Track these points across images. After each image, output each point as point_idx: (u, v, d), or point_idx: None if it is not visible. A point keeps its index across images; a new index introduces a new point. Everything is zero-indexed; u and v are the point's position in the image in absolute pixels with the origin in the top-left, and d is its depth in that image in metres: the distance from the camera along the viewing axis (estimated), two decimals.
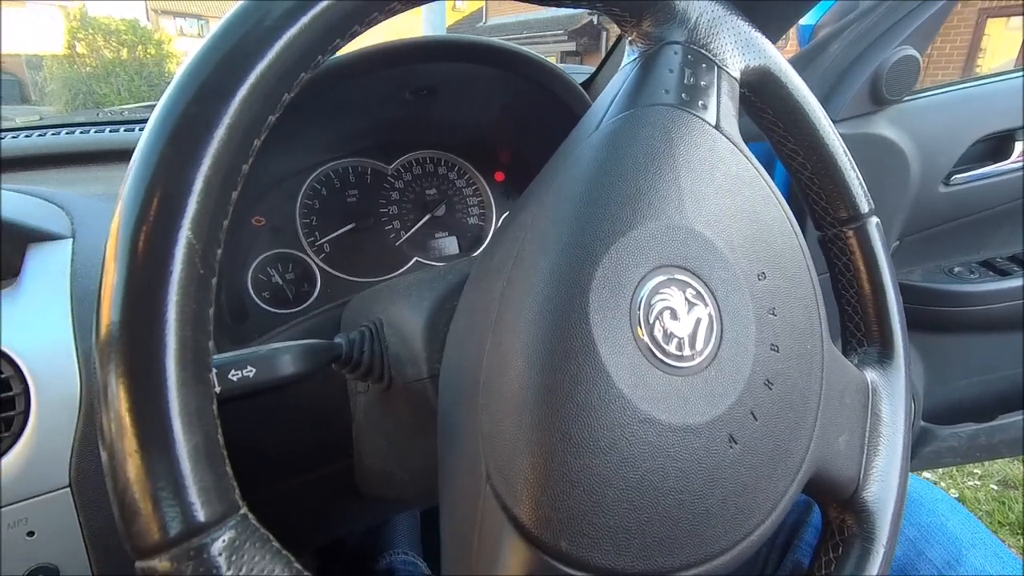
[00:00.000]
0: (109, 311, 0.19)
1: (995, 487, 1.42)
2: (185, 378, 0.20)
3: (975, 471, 1.47)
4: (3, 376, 0.34)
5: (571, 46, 7.76)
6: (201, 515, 0.19)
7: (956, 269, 0.90)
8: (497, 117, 0.58)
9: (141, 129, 0.63)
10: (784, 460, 0.28)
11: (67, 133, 0.61)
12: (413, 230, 0.62)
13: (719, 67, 0.33)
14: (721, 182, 0.30)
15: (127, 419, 0.19)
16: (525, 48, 0.48)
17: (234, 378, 0.30)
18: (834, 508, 0.34)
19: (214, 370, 0.29)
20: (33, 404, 0.35)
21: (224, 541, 0.20)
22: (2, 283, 0.39)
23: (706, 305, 0.27)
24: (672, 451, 0.25)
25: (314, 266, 0.56)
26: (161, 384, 0.19)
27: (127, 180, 0.20)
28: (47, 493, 0.35)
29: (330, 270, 0.57)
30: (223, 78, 0.21)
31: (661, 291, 0.27)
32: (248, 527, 0.21)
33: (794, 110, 0.37)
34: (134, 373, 0.19)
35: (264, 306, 0.54)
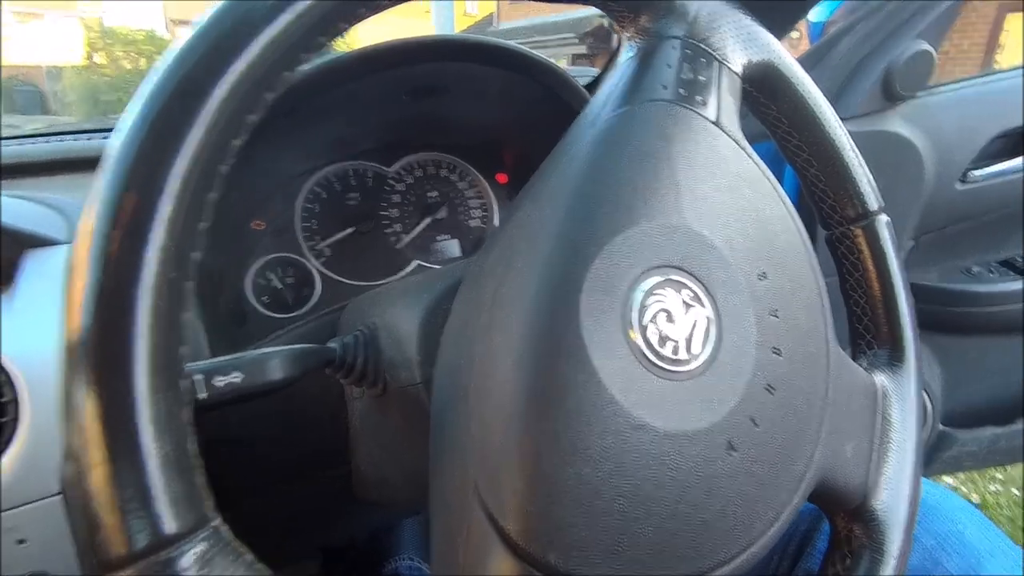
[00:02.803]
0: (76, 315, 0.19)
1: (1017, 492, 1.39)
2: (155, 385, 0.19)
3: (997, 475, 1.43)
4: None
5: (582, 49, 7.76)
6: (170, 526, 0.19)
7: (975, 269, 0.87)
8: (500, 118, 0.57)
9: None
10: (787, 468, 0.27)
11: (74, 140, 0.62)
12: (414, 233, 0.61)
13: (719, 62, 0.32)
14: (721, 180, 0.29)
15: (93, 427, 0.18)
16: (527, 48, 0.48)
17: (220, 384, 0.29)
18: (842, 518, 0.32)
19: (198, 377, 0.29)
20: (25, 411, 0.35)
21: (195, 554, 0.19)
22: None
23: (704, 307, 0.26)
24: (667, 459, 0.24)
25: (314, 270, 0.56)
26: (129, 391, 0.19)
27: (98, 179, 0.20)
28: (39, 500, 0.35)
29: (330, 274, 0.57)
30: (200, 76, 0.20)
31: (656, 292, 0.26)
32: (220, 540, 0.20)
33: (798, 106, 0.35)
34: (101, 379, 0.18)
35: (263, 310, 0.54)
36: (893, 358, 0.36)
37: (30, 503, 0.35)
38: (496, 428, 0.24)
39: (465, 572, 0.24)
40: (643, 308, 0.25)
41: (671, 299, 0.26)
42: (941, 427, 0.92)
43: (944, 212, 0.82)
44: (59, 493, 0.35)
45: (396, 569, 0.81)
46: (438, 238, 0.63)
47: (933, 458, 0.94)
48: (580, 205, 0.26)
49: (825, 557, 0.33)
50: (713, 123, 0.30)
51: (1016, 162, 0.82)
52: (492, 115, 0.57)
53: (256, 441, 0.44)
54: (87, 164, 0.58)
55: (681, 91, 0.30)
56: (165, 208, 0.20)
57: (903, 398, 0.35)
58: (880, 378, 0.34)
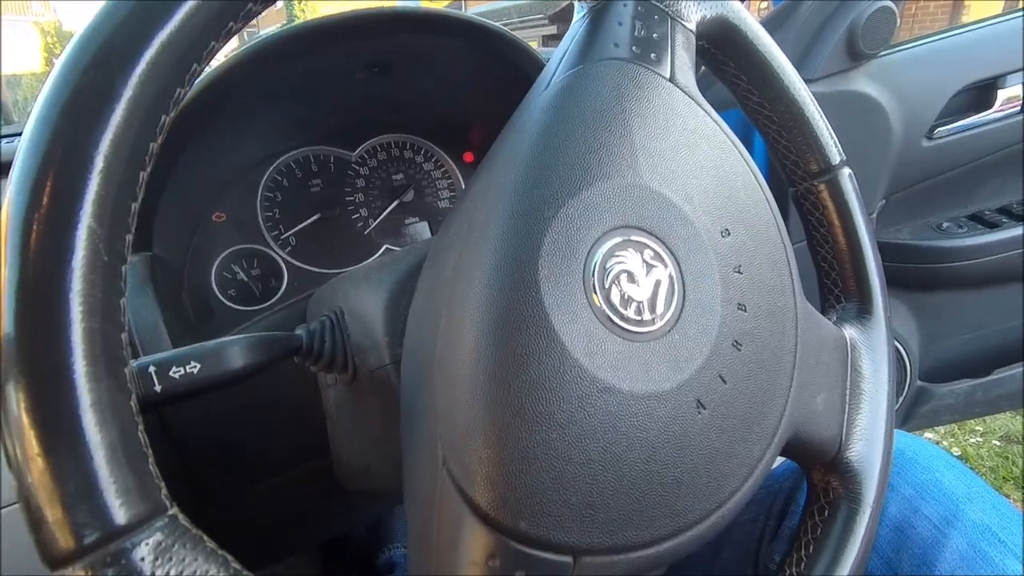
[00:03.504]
0: (2, 305, 0.18)
1: (997, 443, 1.42)
2: (94, 372, 0.18)
3: (977, 428, 1.46)
4: None
5: (552, 30, 7.70)
6: (119, 517, 0.18)
7: (944, 225, 0.88)
8: (461, 94, 0.56)
9: None
10: (758, 423, 0.27)
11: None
12: (381, 217, 0.60)
13: (672, 18, 0.31)
14: (677, 137, 0.29)
15: (27, 419, 0.17)
16: (480, 18, 0.46)
17: (176, 375, 0.28)
18: (818, 470, 0.33)
19: (152, 369, 0.28)
20: None
21: (148, 544, 0.18)
22: None
23: (666, 266, 0.26)
24: (636, 420, 0.24)
25: (280, 260, 0.55)
26: (65, 379, 0.18)
27: (17, 160, 0.19)
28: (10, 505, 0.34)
29: (297, 263, 0.56)
30: (122, 46, 0.19)
31: (617, 254, 0.25)
32: (177, 528, 0.19)
33: (757, 62, 0.35)
34: (33, 369, 0.17)
35: (230, 304, 0.53)
36: (862, 311, 0.36)
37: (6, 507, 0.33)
38: (461, 401, 0.23)
39: (440, 547, 0.23)
40: (604, 271, 0.25)
41: (632, 260, 0.25)
42: (919, 383, 0.93)
43: (912, 170, 0.83)
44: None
45: (391, 558, 0.82)
46: (407, 221, 0.62)
47: (912, 414, 0.95)
48: (534, 169, 0.26)
49: (804, 510, 0.33)
50: (668, 80, 0.30)
51: (980, 116, 0.82)
52: (453, 91, 0.55)
53: (234, 437, 0.43)
54: None
55: (634, 48, 0.29)
56: (90, 188, 0.19)
57: (873, 349, 0.35)
58: (849, 331, 0.34)
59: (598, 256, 0.25)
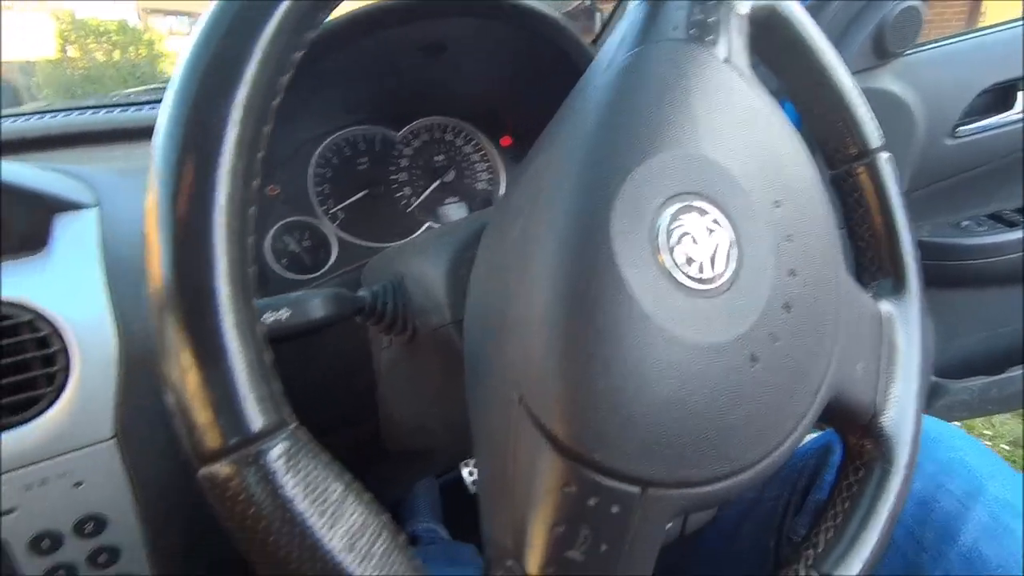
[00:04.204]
0: (159, 236, 0.20)
1: (1006, 447, 1.43)
2: (236, 296, 0.21)
3: (986, 432, 1.48)
4: (42, 334, 0.35)
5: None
6: (257, 424, 0.20)
7: (964, 223, 0.90)
8: (504, 79, 0.58)
9: (151, 108, 0.63)
10: (804, 381, 0.29)
11: (79, 114, 0.62)
12: (423, 196, 0.63)
13: (727, 4, 0.33)
14: (734, 113, 0.31)
15: (182, 338, 0.20)
16: (534, 4, 0.49)
17: (268, 320, 0.31)
18: (853, 434, 0.34)
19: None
20: (74, 361, 0.36)
21: (280, 449, 0.20)
22: (31, 252, 0.39)
23: (724, 231, 0.28)
24: (696, 368, 0.26)
25: (329, 233, 0.57)
26: (214, 301, 0.20)
27: (166, 112, 0.21)
28: (93, 445, 0.36)
29: (345, 236, 0.58)
30: (251, 15, 0.22)
31: (680, 217, 0.27)
32: (300, 439, 0.21)
33: (803, 49, 0.37)
34: (189, 290, 0.20)
35: (283, 273, 0.55)
36: (897, 287, 0.38)
37: (85, 447, 0.36)
38: (537, 348, 0.25)
39: (516, 478, 0.25)
40: (669, 232, 0.27)
41: (694, 223, 0.28)
42: (934, 378, 0.95)
43: (934, 168, 0.85)
44: (112, 437, 0.37)
45: (414, 532, 0.84)
46: (446, 201, 0.64)
47: (926, 408, 0.97)
48: (602, 141, 0.28)
49: (839, 470, 0.35)
50: (724, 61, 0.32)
51: (1002, 116, 0.84)
52: (497, 76, 0.57)
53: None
54: (95, 138, 0.58)
55: (692, 31, 0.31)
56: (232, 133, 0.21)
57: (907, 323, 0.37)
58: (885, 306, 0.36)
59: (664, 218, 0.27)
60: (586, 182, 0.27)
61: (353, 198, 0.59)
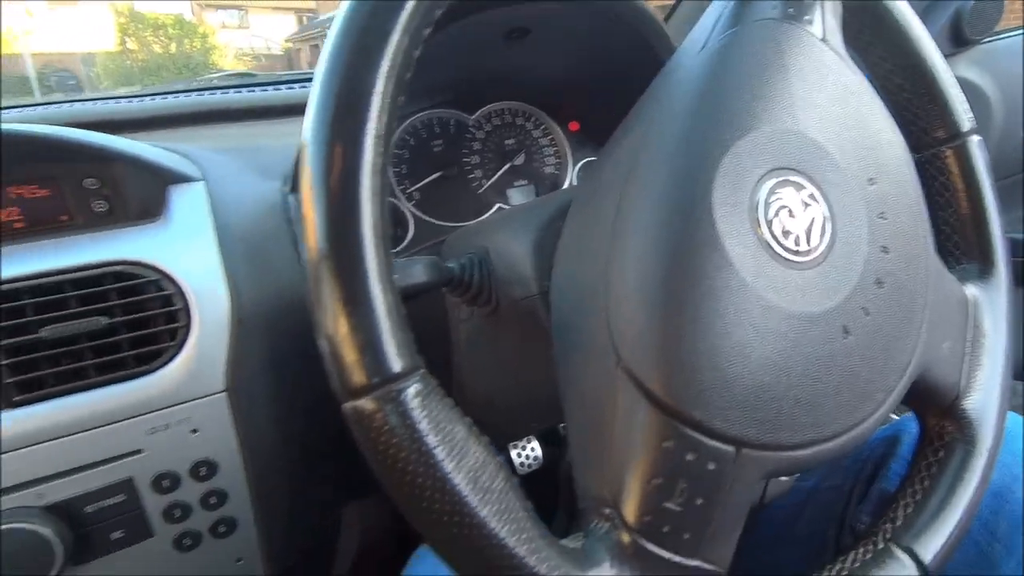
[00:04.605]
0: (315, 200, 0.22)
1: None
2: (379, 255, 0.23)
3: None
4: (168, 293, 0.39)
5: None
6: (398, 366, 0.22)
7: None
8: (578, 64, 0.59)
9: (236, 92, 0.67)
10: (893, 357, 0.30)
11: (173, 98, 0.66)
12: (494, 178, 0.65)
13: None
14: (831, 91, 0.31)
15: (337, 288, 0.22)
16: None
17: None
18: (934, 415, 0.34)
19: None
20: (194, 319, 0.39)
21: (415, 390, 0.22)
22: (150, 220, 0.43)
23: (819, 205, 0.29)
24: (791, 337, 0.27)
25: (407, 211, 0.60)
26: (362, 259, 0.22)
27: (320, 79, 0.23)
28: (207, 396, 0.40)
29: (421, 215, 0.60)
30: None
31: (777, 191, 0.28)
32: (431, 382, 0.24)
33: (895, 31, 0.37)
34: (342, 250, 0.22)
35: None
36: (983, 271, 0.38)
37: (201, 398, 0.39)
38: (638, 312, 0.27)
39: (615, 435, 0.27)
40: (767, 205, 0.28)
41: (791, 197, 0.28)
42: None
43: (1010, 160, 0.82)
44: (223, 391, 0.40)
45: None
46: (516, 183, 0.66)
47: None
48: (704, 113, 0.29)
49: (916, 452, 0.35)
50: (821, 40, 0.32)
51: None
52: (573, 61, 0.59)
53: None
54: (189, 119, 0.62)
55: (790, 10, 0.32)
56: (375, 102, 0.23)
57: (994, 307, 0.37)
58: (971, 289, 0.36)
59: (762, 192, 0.28)
60: (688, 156, 0.28)
61: (428, 179, 0.61)
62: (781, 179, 0.28)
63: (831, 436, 0.28)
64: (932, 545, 0.31)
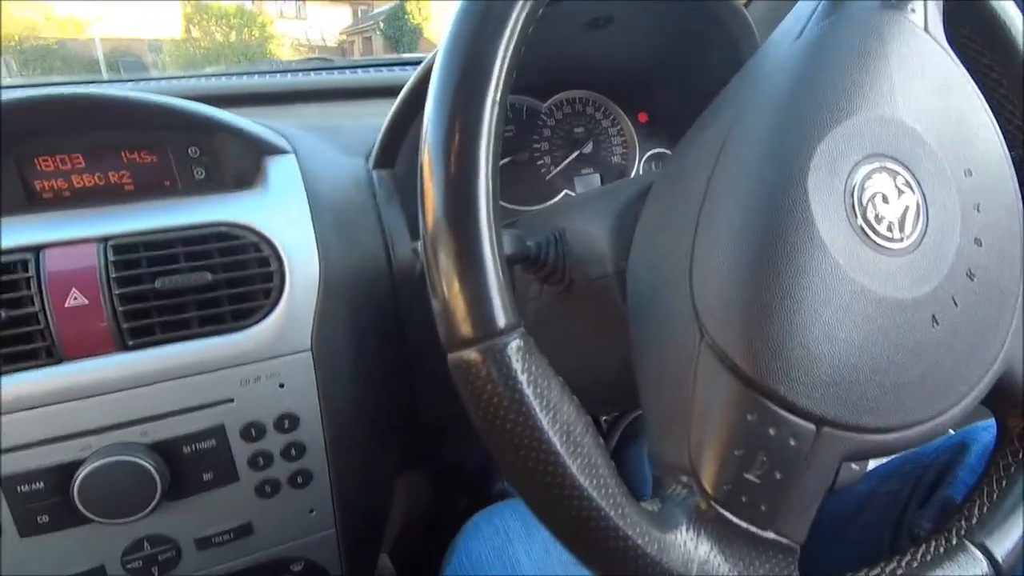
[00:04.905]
0: (433, 168, 0.24)
1: None
2: (490, 217, 0.24)
3: None
4: (265, 255, 0.41)
5: None
6: (502, 322, 0.24)
7: None
8: (656, 55, 0.59)
9: (317, 74, 0.70)
10: (981, 350, 0.30)
11: (259, 77, 0.70)
12: (562, 165, 0.66)
13: None
14: (931, 81, 0.31)
15: (451, 250, 0.23)
16: None
17: None
18: (1016, 416, 0.34)
19: None
20: (287, 280, 0.42)
21: (515, 346, 0.24)
22: (246, 187, 0.46)
23: (914, 193, 0.29)
24: (880, 321, 0.27)
25: None
26: (476, 219, 0.24)
27: (443, 51, 0.25)
28: (295, 353, 0.42)
29: None
30: None
31: (873, 177, 0.29)
32: (529, 340, 0.25)
33: (994, 25, 0.37)
34: (462, 202, 0.24)
35: None
36: None
37: (289, 355, 0.42)
38: (726, 290, 0.27)
39: (697, 409, 0.27)
40: (862, 190, 0.28)
41: (886, 184, 0.29)
42: None
43: None
44: (309, 350, 0.43)
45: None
46: (582, 171, 0.67)
47: None
48: (802, 98, 0.29)
49: (993, 452, 0.35)
50: (923, 29, 0.32)
51: None
52: (653, 52, 0.59)
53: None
54: (274, 98, 0.66)
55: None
56: (494, 75, 0.24)
57: None
58: None
59: (858, 177, 0.28)
60: (784, 140, 0.29)
61: (500, 163, 0.63)
62: (877, 165, 0.29)
63: (911, 424, 0.28)
64: (1006, 543, 0.30)
